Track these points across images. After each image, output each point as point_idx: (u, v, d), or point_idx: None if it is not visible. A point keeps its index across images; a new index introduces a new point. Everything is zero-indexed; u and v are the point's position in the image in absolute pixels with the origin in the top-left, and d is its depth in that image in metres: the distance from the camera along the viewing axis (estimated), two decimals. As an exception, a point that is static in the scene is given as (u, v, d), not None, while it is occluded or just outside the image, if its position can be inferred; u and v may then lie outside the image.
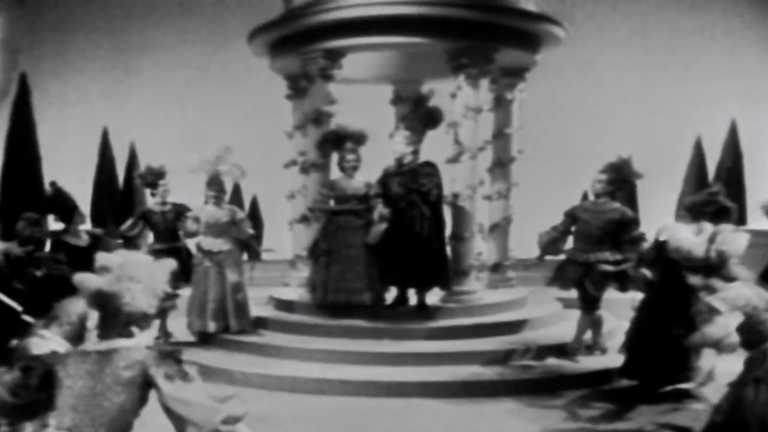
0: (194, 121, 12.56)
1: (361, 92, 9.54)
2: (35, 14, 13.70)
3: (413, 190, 7.35)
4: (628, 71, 12.66)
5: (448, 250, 7.79)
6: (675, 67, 12.68)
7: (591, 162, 11.38)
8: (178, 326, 8.01)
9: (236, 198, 12.94)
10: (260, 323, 7.89)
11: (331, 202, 7.87)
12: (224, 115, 12.68)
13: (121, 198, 12.82)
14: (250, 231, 8.07)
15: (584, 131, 11.91)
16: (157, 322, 8.11)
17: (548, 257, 7.30)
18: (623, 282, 6.81)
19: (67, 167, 12.76)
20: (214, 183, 7.77)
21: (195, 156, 7.79)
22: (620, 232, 6.90)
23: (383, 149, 7.76)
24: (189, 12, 13.61)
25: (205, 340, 7.76)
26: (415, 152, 7.54)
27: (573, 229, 7.18)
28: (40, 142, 12.71)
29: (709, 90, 12.46)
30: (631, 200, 10.62)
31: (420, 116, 7.57)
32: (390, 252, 7.44)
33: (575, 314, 7.48)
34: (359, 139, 7.76)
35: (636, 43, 12.91)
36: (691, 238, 5.43)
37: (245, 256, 8.21)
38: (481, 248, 8.82)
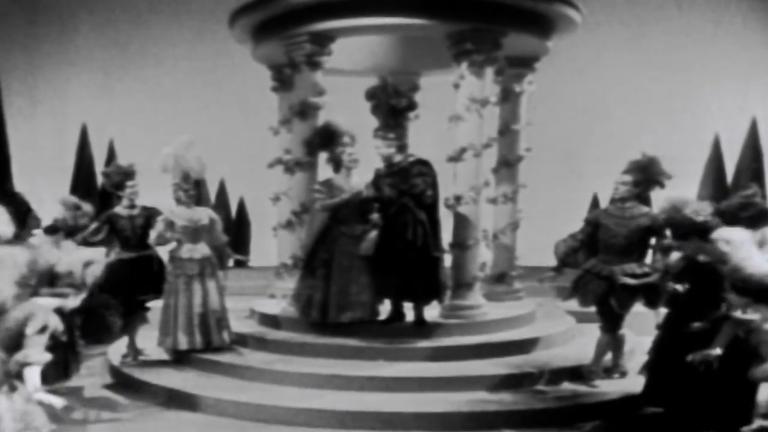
0: (181, 120, 11.90)
1: (352, 85, 8.88)
2: (8, 5, 13.04)
3: (404, 193, 6.59)
4: (642, 67, 12.10)
5: (449, 258, 7.05)
6: (692, 64, 12.10)
7: (604, 162, 10.77)
8: (149, 342, 7.23)
9: (221, 199, 12.27)
10: (240, 340, 7.10)
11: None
12: (212, 112, 12.16)
13: (99, 200, 12.05)
14: (224, 237, 7.30)
15: (597, 129, 11.27)
16: (125, 339, 7.42)
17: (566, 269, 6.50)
18: (653, 297, 5.99)
19: (43, 167, 12.19)
20: (186, 181, 6.98)
21: (162, 152, 7.01)
22: (649, 240, 6.11)
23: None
24: (176, 6, 13.01)
25: (179, 359, 6.98)
26: (402, 148, 6.85)
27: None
28: (11, 140, 12.07)
29: (728, 88, 11.88)
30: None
31: (386, 110, 6.82)
32: (382, 262, 6.70)
33: (589, 330, 6.79)
34: (352, 138, 7.01)
35: (649, 38, 12.34)
36: (761, 262, 4.55)
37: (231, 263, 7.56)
38: (486, 257, 8.10)
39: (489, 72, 7.13)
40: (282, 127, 8.04)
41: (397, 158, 6.76)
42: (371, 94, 6.90)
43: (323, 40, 7.18)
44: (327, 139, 7.08)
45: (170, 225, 6.96)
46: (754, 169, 10.97)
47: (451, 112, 7.05)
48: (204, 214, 7.13)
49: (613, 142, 11.00)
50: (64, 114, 12.96)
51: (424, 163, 6.76)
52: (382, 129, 6.78)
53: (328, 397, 5.89)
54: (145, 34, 13.02)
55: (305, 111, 7.29)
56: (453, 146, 7.06)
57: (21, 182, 11.65)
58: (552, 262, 6.49)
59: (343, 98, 7.57)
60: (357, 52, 8.27)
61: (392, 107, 6.80)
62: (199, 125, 10.87)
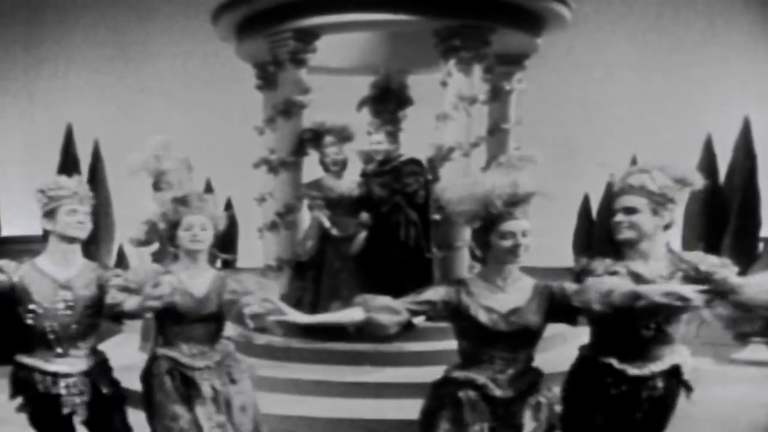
0: (170, 118, 11.76)
1: (342, 83, 8.72)
2: (7, 5, 12.90)
3: (397, 192, 6.45)
4: (633, 66, 12.02)
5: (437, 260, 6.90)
6: (685, 63, 12.00)
7: (594, 163, 10.65)
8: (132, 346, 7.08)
9: (208, 200, 12.12)
10: (223, 344, 6.92)
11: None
12: (201, 110, 12.00)
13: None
14: (209, 239, 7.12)
15: (588, 128, 11.16)
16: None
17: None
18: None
19: (33, 166, 12.04)
20: (163, 183, 6.80)
21: (134, 154, 6.82)
22: None
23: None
24: (170, 6, 12.88)
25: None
26: (394, 142, 6.77)
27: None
28: (9, 139, 11.95)
29: (721, 88, 11.79)
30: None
31: (394, 107, 6.75)
32: (372, 262, 6.58)
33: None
34: (341, 133, 6.85)
35: (642, 37, 12.27)
36: None
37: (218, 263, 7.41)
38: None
39: (477, 69, 6.99)
40: (267, 126, 7.88)
41: (382, 147, 6.66)
42: (381, 86, 6.83)
43: (307, 37, 7.03)
44: (312, 141, 6.95)
45: (154, 227, 6.79)
46: (748, 168, 10.83)
47: (438, 111, 6.90)
48: (184, 218, 6.94)
49: (605, 141, 10.91)
50: (60, 114, 12.82)
51: (416, 162, 6.69)
52: (387, 124, 6.68)
53: (313, 404, 5.76)
54: (135, 31, 12.88)
55: (289, 110, 7.12)
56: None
57: (11, 182, 11.55)
58: (546, 262, 6.34)
59: (338, 97, 7.43)
60: (344, 50, 8.12)
61: (400, 101, 6.73)
62: (186, 123, 10.75)
